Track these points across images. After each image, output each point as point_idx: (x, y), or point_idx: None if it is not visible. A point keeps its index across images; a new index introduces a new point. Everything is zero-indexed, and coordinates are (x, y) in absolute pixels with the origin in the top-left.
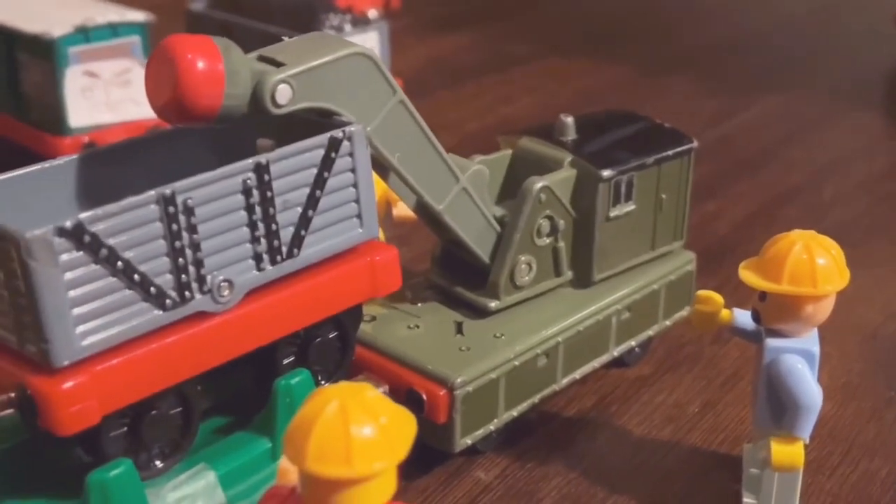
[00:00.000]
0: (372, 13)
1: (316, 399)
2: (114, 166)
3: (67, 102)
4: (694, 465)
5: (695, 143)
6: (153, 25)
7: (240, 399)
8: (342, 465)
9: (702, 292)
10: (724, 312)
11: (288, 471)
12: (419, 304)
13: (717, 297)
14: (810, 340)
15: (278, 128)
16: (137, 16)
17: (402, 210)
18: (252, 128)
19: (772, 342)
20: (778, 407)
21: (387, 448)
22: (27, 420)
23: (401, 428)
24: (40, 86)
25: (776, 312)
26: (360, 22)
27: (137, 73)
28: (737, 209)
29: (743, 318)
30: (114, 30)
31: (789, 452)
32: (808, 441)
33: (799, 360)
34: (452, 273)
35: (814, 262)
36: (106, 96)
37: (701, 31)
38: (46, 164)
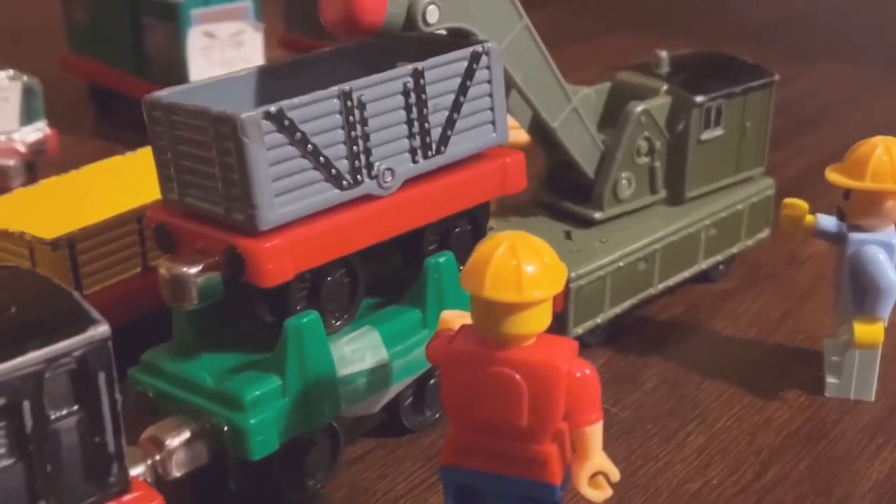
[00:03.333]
0: None
1: (489, 242)
2: (282, 80)
3: (189, 60)
4: (779, 357)
5: (776, 77)
6: None
7: (389, 283)
8: (514, 292)
9: (788, 199)
10: (809, 217)
11: (448, 319)
12: (529, 218)
13: (802, 203)
14: (889, 234)
15: (414, 54)
16: None
17: (515, 137)
18: (393, 54)
19: (854, 236)
20: (860, 293)
21: (548, 281)
22: (233, 277)
23: (558, 267)
24: (164, 46)
25: (859, 209)
26: None
27: (250, 35)
28: (800, 160)
29: (826, 221)
30: None
31: (871, 331)
32: (886, 322)
33: (879, 250)
34: (559, 191)
35: (894, 161)
36: (222, 55)
37: (757, 8)
38: (233, 74)
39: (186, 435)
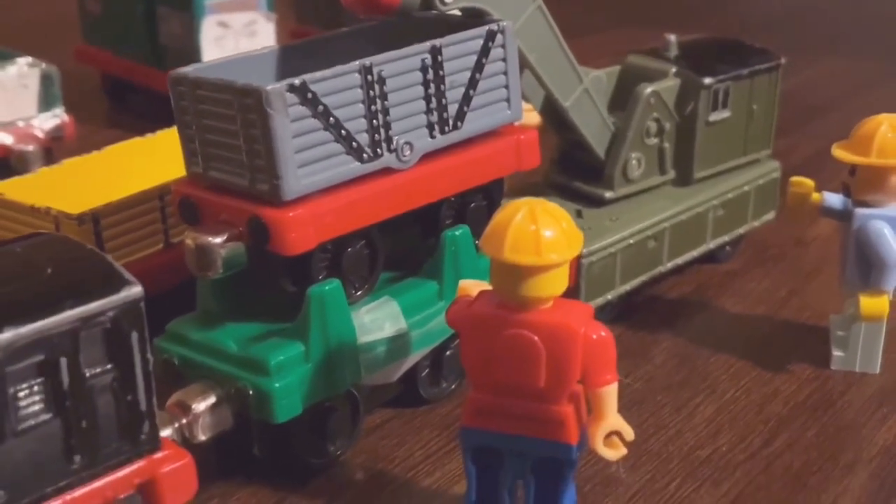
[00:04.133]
0: None
1: (508, 208)
2: (302, 58)
3: (203, 50)
4: (787, 332)
5: (783, 60)
6: None
7: (404, 258)
8: (533, 255)
9: (795, 178)
10: (815, 195)
11: (466, 287)
12: (541, 198)
13: (809, 181)
14: (894, 208)
15: (430, 34)
16: None
17: (527, 119)
18: (409, 34)
19: (860, 211)
20: (865, 267)
21: (566, 245)
22: (257, 246)
23: (575, 232)
24: (178, 36)
25: (864, 184)
26: None
27: (262, 25)
28: (805, 147)
29: (831, 199)
30: None
31: (876, 304)
32: (891, 295)
33: (885, 224)
34: (570, 171)
35: None
36: (235, 45)
37: (762, 3)
38: (255, 52)
39: (212, 399)
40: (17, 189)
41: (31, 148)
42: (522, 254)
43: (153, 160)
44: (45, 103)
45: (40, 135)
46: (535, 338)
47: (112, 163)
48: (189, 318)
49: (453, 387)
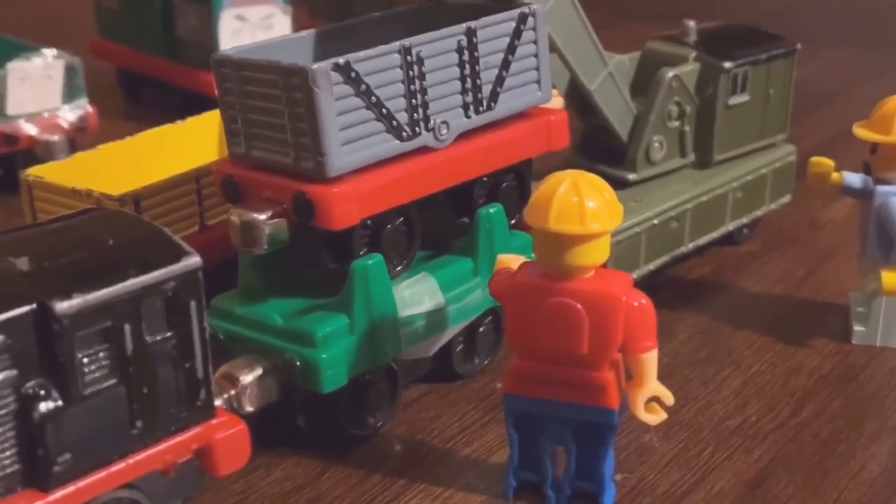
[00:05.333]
0: None
1: (551, 180)
2: (336, 41)
3: (221, 42)
4: (806, 310)
5: (798, 46)
6: None
7: (436, 237)
8: (577, 225)
9: (814, 158)
10: (835, 175)
11: (505, 261)
12: None
13: (828, 161)
14: None
15: (461, 18)
16: None
17: (551, 104)
18: (440, 18)
19: (881, 188)
20: (886, 244)
21: (608, 215)
22: (302, 221)
23: (616, 203)
24: (196, 29)
25: (885, 162)
26: None
27: (279, 19)
28: (815, 134)
29: (851, 178)
30: None
31: None
32: None
33: None
34: (592, 155)
35: None
36: (252, 38)
37: None
38: (292, 35)
39: (259, 371)
40: (56, 173)
41: (56, 138)
42: (567, 223)
43: (185, 145)
44: (70, 95)
45: (65, 125)
46: (579, 305)
47: (145, 148)
48: (232, 294)
49: (486, 362)
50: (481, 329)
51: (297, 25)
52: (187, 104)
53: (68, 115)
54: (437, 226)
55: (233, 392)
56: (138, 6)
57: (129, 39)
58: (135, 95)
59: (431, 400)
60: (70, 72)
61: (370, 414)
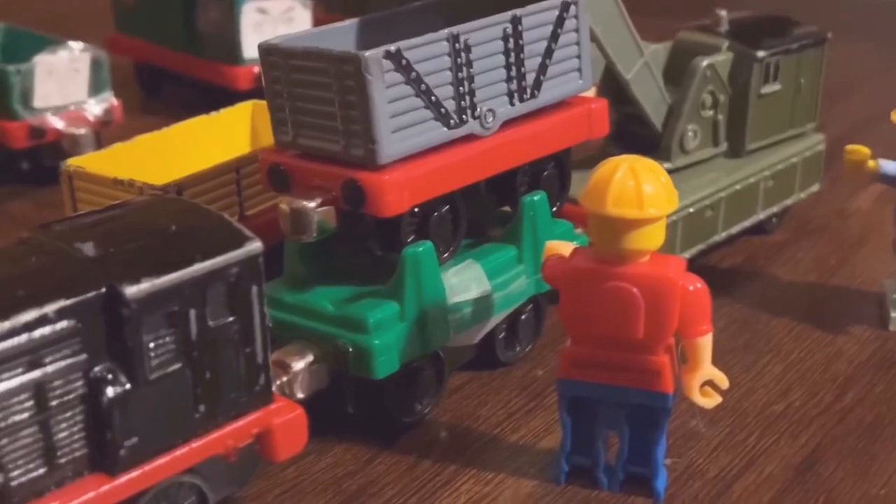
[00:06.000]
0: None
1: (607, 165)
2: (376, 32)
3: (242, 36)
4: (841, 297)
5: (829, 35)
6: None
7: (477, 225)
8: (635, 209)
9: (850, 146)
10: (870, 162)
11: (553, 247)
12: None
13: (864, 149)
14: None
15: (497, 10)
16: None
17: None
18: (477, 8)
19: None
20: None
21: (665, 199)
22: (353, 208)
23: (672, 188)
24: (218, 22)
25: None
26: None
27: (299, 12)
28: (834, 127)
29: (888, 165)
30: None
31: None
32: None
33: None
34: (625, 144)
35: None
36: (273, 31)
37: None
38: (334, 25)
39: (310, 358)
40: (95, 164)
41: (82, 131)
42: (625, 208)
43: (218, 136)
44: (95, 88)
45: (91, 118)
46: (635, 290)
47: (180, 139)
48: (279, 283)
49: (527, 349)
50: (523, 317)
51: (315, 21)
52: (206, 98)
53: (94, 108)
54: (477, 214)
55: (284, 379)
56: (159, 0)
57: (149, 34)
58: (152, 90)
59: (475, 388)
60: (95, 65)
61: (417, 401)
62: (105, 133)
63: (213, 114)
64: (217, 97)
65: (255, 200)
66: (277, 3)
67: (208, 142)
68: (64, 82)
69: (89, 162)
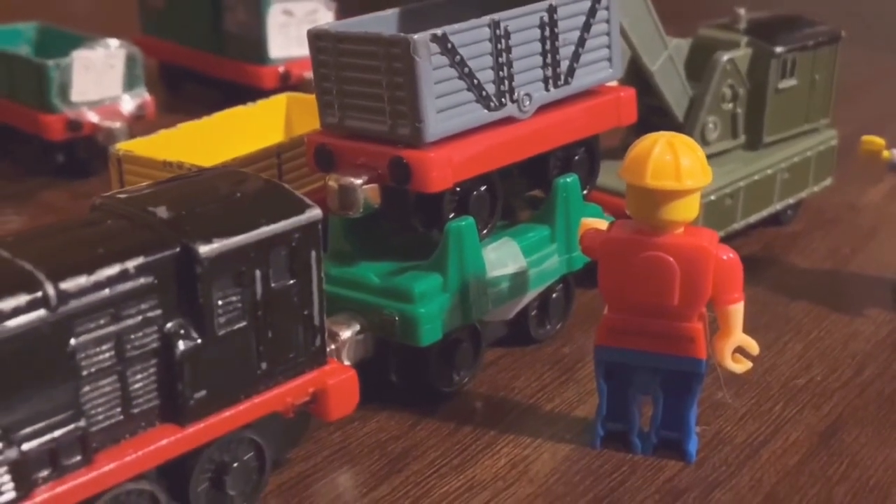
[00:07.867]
0: None
1: (645, 141)
2: (416, 20)
3: (269, 36)
4: (856, 283)
5: (843, 33)
6: None
7: (510, 208)
8: (673, 181)
9: (865, 136)
10: (886, 152)
11: (588, 223)
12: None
13: (879, 139)
14: None
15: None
16: None
17: None
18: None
19: None
20: None
21: (701, 172)
22: (399, 185)
23: (706, 163)
24: (244, 23)
25: None
26: None
27: (323, 14)
28: (842, 128)
29: None
30: None
31: None
32: None
33: None
34: None
35: None
36: (298, 32)
37: None
38: (378, 14)
39: (357, 327)
40: (142, 148)
41: (117, 125)
42: (663, 180)
43: (255, 125)
44: (129, 83)
45: (125, 113)
46: (671, 259)
47: (220, 127)
48: (324, 257)
49: (558, 327)
50: (554, 295)
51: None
52: (228, 97)
53: (128, 103)
54: (511, 194)
55: (332, 347)
56: (187, 2)
57: (176, 35)
58: (175, 89)
59: (508, 362)
60: (130, 61)
61: (456, 372)
62: (138, 127)
63: (250, 104)
64: (240, 96)
65: (296, 185)
66: (302, 4)
67: (246, 130)
68: (100, 77)
69: (137, 146)
